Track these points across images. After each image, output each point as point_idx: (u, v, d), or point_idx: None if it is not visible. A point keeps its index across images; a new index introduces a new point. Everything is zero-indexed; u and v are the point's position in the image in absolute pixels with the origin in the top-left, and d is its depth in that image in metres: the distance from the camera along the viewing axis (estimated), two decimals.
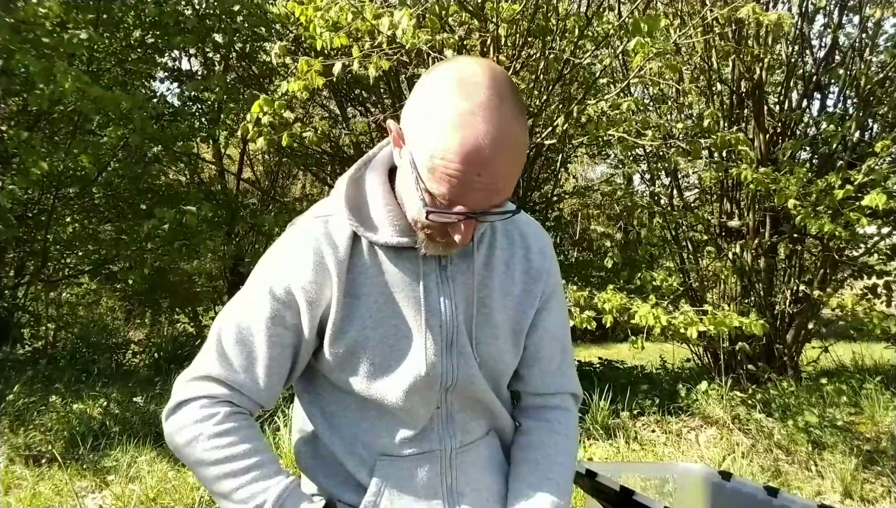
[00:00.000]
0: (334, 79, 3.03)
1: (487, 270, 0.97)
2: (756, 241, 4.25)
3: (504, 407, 1.04)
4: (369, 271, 0.92)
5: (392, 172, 0.95)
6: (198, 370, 0.92)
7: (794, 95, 4.66)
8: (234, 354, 0.91)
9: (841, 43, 4.48)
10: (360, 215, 0.92)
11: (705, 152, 4.15)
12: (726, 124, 4.37)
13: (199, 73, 6.59)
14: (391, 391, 0.92)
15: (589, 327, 3.16)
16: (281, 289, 0.90)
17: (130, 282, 6.09)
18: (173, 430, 0.91)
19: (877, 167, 3.65)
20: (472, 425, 0.99)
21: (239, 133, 3.43)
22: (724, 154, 4.24)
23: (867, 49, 4.31)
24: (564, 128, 3.65)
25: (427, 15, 2.87)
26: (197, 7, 5.50)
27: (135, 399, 4.19)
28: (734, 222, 4.46)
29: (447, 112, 0.76)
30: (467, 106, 0.75)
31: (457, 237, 0.83)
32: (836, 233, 3.35)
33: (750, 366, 4.36)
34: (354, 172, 0.97)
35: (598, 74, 4.45)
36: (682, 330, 3.17)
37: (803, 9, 4.27)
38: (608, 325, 3.26)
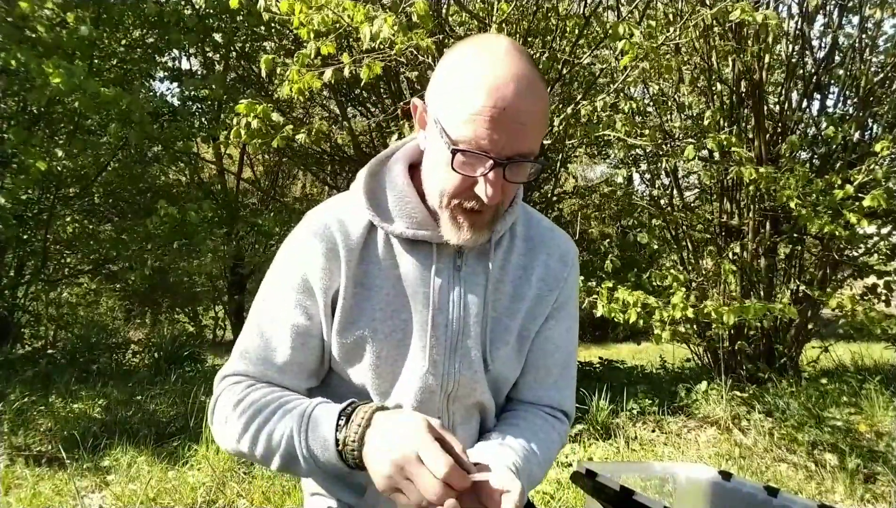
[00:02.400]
0: (331, 81, 3.01)
1: (502, 273, 0.95)
2: (756, 241, 4.26)
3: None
4: (382, 262, 0.91)
5: (412, 168, 0.95)
6: (225, 368, 0.93)
7: (794, 95, 4.66)
8: (254, 347, 0.91)
9: (841, 43, 4.48)
10: (377, 205, 0.91)
11: (705, 152, 4.15)
12: (726, 124, 4.37)
13: (199, 72, 6.60)
14: (395, 387, 0.91)
15: (617, 319, 3.14)
16: (298, 278, 0.90)
17: (131, 282, 6.09)
18: (215, 429, 0.91)
19: (876, 167, 3.65)
20: (473, 440, 0.97)
21: (232, 136, 3.40)
22: (723, 151, 4.24)
23: (867, 49, 4.31)
24: (561, 128, 3.65)
25: (416, 16, 2.78)
26: (197, 7, 5.50)
27: (135, 399, 4.19)
28: (734, 222, 4.47)
29: (470, 62, 0.79)
30: (489, 56, 0.78)
31: (485, 194, 0.80)
32: (836, 233, 3.35)
33: (750, 366, 4.36)
34: (375, 163, 0.96)
35: (598, 75, 4.45)
36: (714, 317, 3.13)
37: (803, 9, 4.27)
38: (631, 321, 3.22)
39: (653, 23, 3.64)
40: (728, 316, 3.07)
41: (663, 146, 4.08)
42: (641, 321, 3.18)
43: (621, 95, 4.02)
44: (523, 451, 0.90)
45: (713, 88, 4.49)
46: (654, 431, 3.72)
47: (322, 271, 0.88)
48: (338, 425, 0.78)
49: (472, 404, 0.96)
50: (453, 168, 0.79)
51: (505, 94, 0.76)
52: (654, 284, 4.05)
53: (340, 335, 0.90)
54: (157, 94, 6.33)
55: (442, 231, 0.87)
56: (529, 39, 3.99)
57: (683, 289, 3.46)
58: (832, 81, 4.52)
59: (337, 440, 0.78)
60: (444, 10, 3.62)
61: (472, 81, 0.77)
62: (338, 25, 2.87)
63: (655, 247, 4.57)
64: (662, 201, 4.97)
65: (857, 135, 4.13)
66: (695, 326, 3.40)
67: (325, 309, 0.89)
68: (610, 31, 3.00)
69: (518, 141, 0.78)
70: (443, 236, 0.87)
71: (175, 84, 6.51)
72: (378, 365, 0.90)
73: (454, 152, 0.78)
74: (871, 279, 4.22)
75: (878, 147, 3.49)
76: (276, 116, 3.33)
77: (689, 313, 3.14)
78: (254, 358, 0.91)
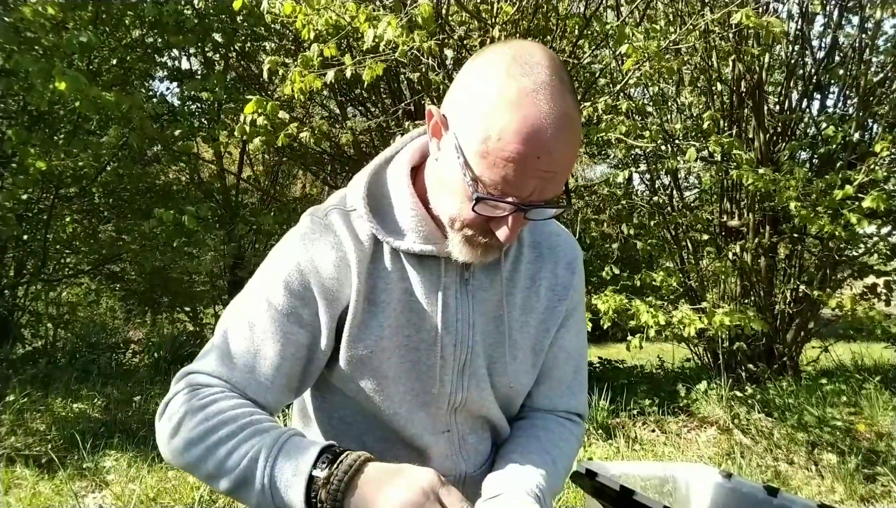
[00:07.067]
0: (331, 82, 3.01)
1: (511, 286, 0.90)
2: (756, 241, 4.25)
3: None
4: (390, 276, 0.85)
5: (414, 171, 0.88)
6: (195, 366, 0.82)
7: (794, 95, 4.66)
8: (239, 352, 0.81)
9: (841, 43, 4.48)
10: (383, 218, 0.85)
11: (704, 153, 4.16)
12: (726, 125, 4.37)
13: (199, 72, 6.59)
14: (399, 406, 0.86)
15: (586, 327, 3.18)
16: (298, 283, 0.82)
17: (132, 280, 6.08)
18: (162, 428, 0.79)
19: (877, 167, 3.65)
20: (483, 447, 0.96)
21: (236, 133, 3.42)
22: (722, 154, 4.24)
23: (867, 49, 4.31)
24: None
25: (420, 19, 2.77)
26: (197, 7, 5.50)
27: (135, 399, 4.19)
28: (734, 222, 4.46)
29: (505, 90, 0.69)
30: (528, 84, 0.69)
31: (502, 234, 0.75)
32: (836, 233, 3.35)
33: (750, 366, 4.36)
34: (375, 169, 0.89)
35: (597, 75, 4.45)
36: (680, 330, 3.17)
37: (803, 9, 4.27)
38: (606, 327, 3.27)
39: (656, 26, 3.64)
40: (689, 329, 3.10)
41: (663, 147, 4.08)
42: (627, 320, 3.21)
43: (621, 95, 4.02)
44: (545, 468, 0.88)
45: (713, 89, 4.49)
46: (654, 431, 3.72)
47: (332, 281, 0.82)
48: (317, 462, 0.71)
49: (480, 416, 0.94)
50: (474, 211, 0.73)
51: (544, 140, 0.68)
52: (651, 285, 4.05)
53: (347, 350, 0.84)
54: (157, 94, 6.32)
55: (450, 249, 0.81)
56: (529, 39, 3.99)
57: (672, 288, 3.49)
58: (832, 81, 4.52)
59: (312, 477, 0.70)
60: (444, 11, 3.62)
61: (505, 116, 0.68)
62: (340, 27, 2.88)
63: (649, 250, 4.58)
64: (662, 202, 4.97)
65: (857, 135, 4.13)
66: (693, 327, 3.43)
67: (330, 322, 0.82)
68: (610, 33, 3.01)
69: (547, 189, 0.72)
70: (450, 252, 0.81)
71: (175, 84, 6.51)
72: (382, 384, 0.85)
73: (478, 199, 0.72)
74: (871, 279, 4.23)
75: (878, 147, 3.49)
76: (283, 114, 3.33)
77: (661, 319, 3.15)
78: (239, 364, 0.80)
